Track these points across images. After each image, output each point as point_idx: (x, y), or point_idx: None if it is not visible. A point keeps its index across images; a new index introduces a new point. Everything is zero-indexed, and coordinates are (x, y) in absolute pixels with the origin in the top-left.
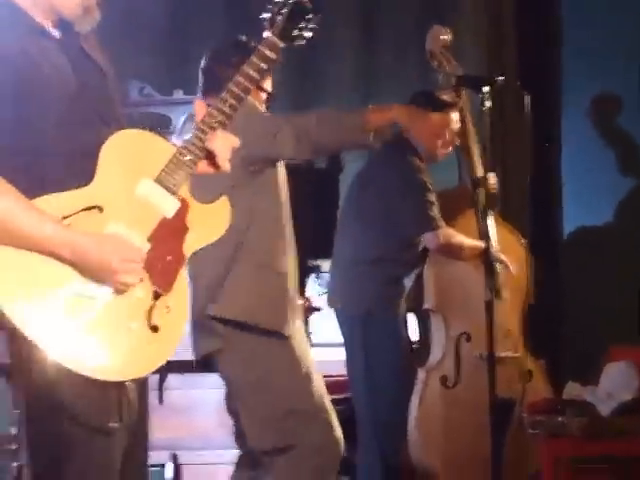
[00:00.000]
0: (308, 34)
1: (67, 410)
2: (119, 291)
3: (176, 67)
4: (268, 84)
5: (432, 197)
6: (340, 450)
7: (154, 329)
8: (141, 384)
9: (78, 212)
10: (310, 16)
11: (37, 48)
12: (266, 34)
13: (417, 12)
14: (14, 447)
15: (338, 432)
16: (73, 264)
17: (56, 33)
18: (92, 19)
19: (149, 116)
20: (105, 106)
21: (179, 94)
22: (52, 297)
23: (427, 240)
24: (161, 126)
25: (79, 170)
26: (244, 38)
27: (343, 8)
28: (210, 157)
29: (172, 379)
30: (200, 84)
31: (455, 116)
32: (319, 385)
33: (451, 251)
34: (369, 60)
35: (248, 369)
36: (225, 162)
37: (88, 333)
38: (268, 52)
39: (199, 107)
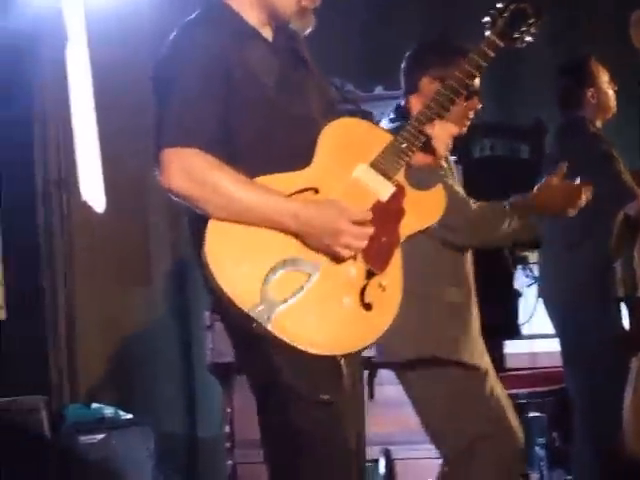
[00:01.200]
0: (529, 38)
1: (281, 384)
2: (340, 263)
3: (376, 63)
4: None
5: (620, 166)
6: (520, 442)
7: (367, 307)
8: (355, 370)
9: (295, 193)
10: (532, 21)
11: (248, 49)
12: (487, 34)
13: None
14: (228, 445)
15: (515, 423)
16: (297, 232)
17: (269, 35)
18: (308, 22)
19: (351, 112)
20: (314, 103)
21: (379, 90)
22: (270, 269)
23: (632, 209)
24: None
25: (292, 160)
26: (443, 39)
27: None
28: (426, 145)
29: (383, 374)
30: (402, 85)
31: None
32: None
33: None
34: None
35: (432, 396)
36: (442, 147)
37: (302, 307)
38: (488, 50)
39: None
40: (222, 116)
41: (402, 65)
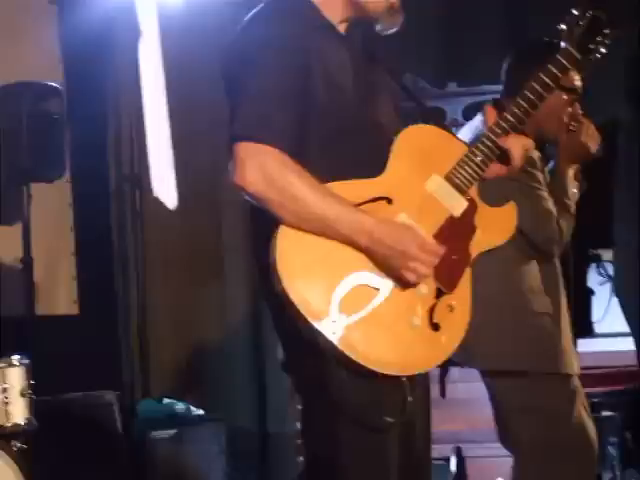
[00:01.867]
0: (604, 49)
1: (342, 404)
2: (408, 282)
3: (449, 60)
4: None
5: None
6: (593, 442)
7: (435, 327)
8: (424, 377)
9: (368, 201)
10: (607, 31)
11: (325, 44)
12: (563, 45)
13: None
14: (299, 442)
15: (593, 434)
16: (367, 250)
17: (342, 30)
18: (397, 20)
19: (423, 112)
20: (378, 99)
21: (453, 87)
22: (339, 283)
23: None
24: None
25: (362, 165)
26: (548, 40)
27: None
28: (501, 157)
29: (454, 372)
30: (503, 84)
31: None
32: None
33: None
34: None
35: (522, 405)
36: (517, 159)
37: (370, 324)
38: (565, 62)
39: (489, 113)
40: (299, 112)
41: (505, 64)
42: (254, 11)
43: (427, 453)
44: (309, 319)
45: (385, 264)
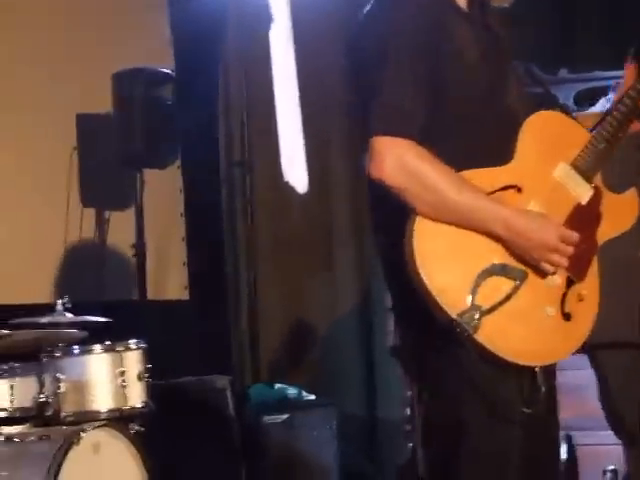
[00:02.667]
0: None
1: (478, 393)
2: (544, 273)
3: (561, 45)
4: None
5: None
6: None
7: (567, 317)
8: (550, 371)
9: (498, 190)
10: None
11: (451, 21)
12: None
13: None
14: (408, 428)
15: None
16: (504, 240)
17: (465, 7)
18: None
19: (535, 96)
20: (504, 81)
21: (564, 73)
22: (476, 273)
23: None
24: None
25: (491, 151)
26: None
27: None
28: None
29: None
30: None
31: None
32: None
33: None
34: None
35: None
36: None
37: (506, 314)
38: None
39: (629, 72)
40: (429, 98)
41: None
42: None
43: (556, 449)
44: (446, 309)
45: (522, 255)
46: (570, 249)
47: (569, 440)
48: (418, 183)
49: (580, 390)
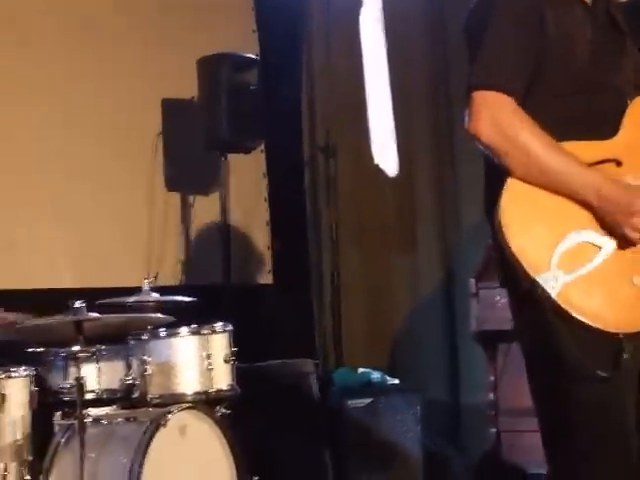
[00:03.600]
0: None
1: (559, 354)
2: (632, 241)
3: None
4: None
5: None
6: None
7: None
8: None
9: (597, 162)
10: None
11: (566, 9)
12: None
13: None
14: (492, 413)
15: None
16: (595, 208)
17: (589, 1)
18: None
19: None
20: (615, 61)
21: None
22: (562, 238)
23: None
24: None
25: (593, 128)
26: None
27: None
28: None
29: None
30: None
31: None
32: None
33: None
34: None
35: None
36: None
37: (590, 281)
38: None
39: None
40: (531, 68)
41: None
42: None
43: None
44: (529, 271)
45: (610, 222)
46: None
47: None
48: (514, 143)
49: None
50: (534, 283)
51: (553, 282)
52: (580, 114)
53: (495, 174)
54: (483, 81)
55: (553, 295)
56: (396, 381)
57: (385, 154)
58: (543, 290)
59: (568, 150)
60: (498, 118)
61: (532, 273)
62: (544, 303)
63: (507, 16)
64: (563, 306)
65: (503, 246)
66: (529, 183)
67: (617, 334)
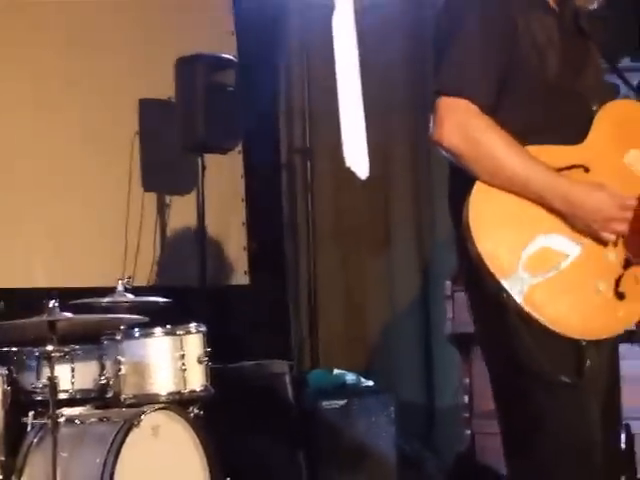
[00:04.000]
0: None
1: (522, 360)
2: (602, 247)
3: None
4: None
5: None
6: None
7: (620, 296)
8: (611, 348)
9: (565, 168)
10: None
11: (536, 18)
12: None
13: None
14: (466, 415)
15: None
16: (563, 213)
17: (554, 6)
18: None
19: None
20: (581, 68)
21: (627, 62)
22: (528, 242)
23: None
24: None
25: (561, 134)
26: None
27: None
28: None
29: (622, 349)
30: None
31: None
32: None
33: None
34: None
35: None
36: None
37: (555, 285)
38: None
39: None
40: (500, 75)
41: None
42: None
43: (617, 417)
44: (496, 274)
45: (583, 226)
46: (627, 214)
47: (627, 429)
48: (479, 149)
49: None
50: (500, 287)
51: (519, 286)
52: (547, 120)
53: (460, 178)
54: (449, 87)
55: (518, 299)
56: (371, 383)
57: (357, 156)
58: (508, 294)
59: (535, 155)
60: (463, 124)
61: (498, 276)
62: (508, 306)
63: (477, 21)
64: (527, 309)
65: (469, 248)
66: (496, 187)
67: (580, 341)
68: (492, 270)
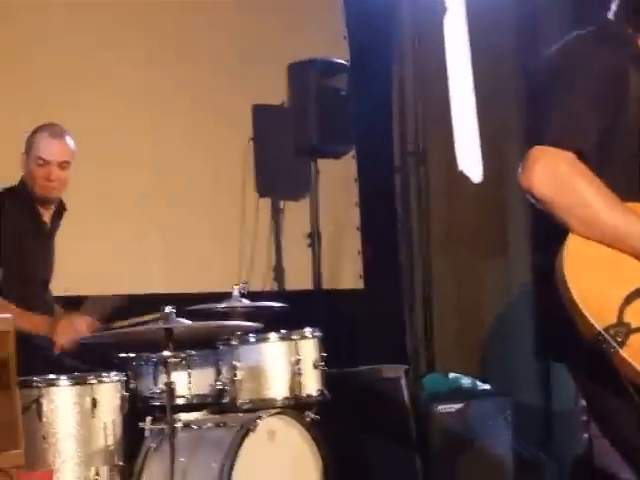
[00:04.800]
0: None
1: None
2: None
3: None
4: None
5: None
6: None
7: None
8: None
9: None
10: None
11: (636, 67)
12: None
13: None
14: (584, 419)
15: None
16: None
17: None
18: None
19: None
20: None
21: None
22: (625, 291)
23: None
24: None
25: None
26: None
27: None
28: None
29: None
30: None
31: None
32: None
33: None
34: None
35: None
36: None
37: None
38: None
39: None
40: (604, 132)
41: None
42: (577, 32)
43: None
44: (595, 325)
45: None
46: None
47: None
48: (570, 196)
49: None
50: (599, 336)
51: (621, 336)
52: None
53: (549, 225)
54: (556, 138)
55: (620, 349)
56: (487, 386)
57: (470, 159)
58: (609, 344)
59: (631, 209)
60: (555, 170)
61: (599, 326)
62: (608, 355)
63: (591, 78)
64: (630, 360)
65: (567, 298)
66: (589, 238)
67: None
68: (591, 319)
